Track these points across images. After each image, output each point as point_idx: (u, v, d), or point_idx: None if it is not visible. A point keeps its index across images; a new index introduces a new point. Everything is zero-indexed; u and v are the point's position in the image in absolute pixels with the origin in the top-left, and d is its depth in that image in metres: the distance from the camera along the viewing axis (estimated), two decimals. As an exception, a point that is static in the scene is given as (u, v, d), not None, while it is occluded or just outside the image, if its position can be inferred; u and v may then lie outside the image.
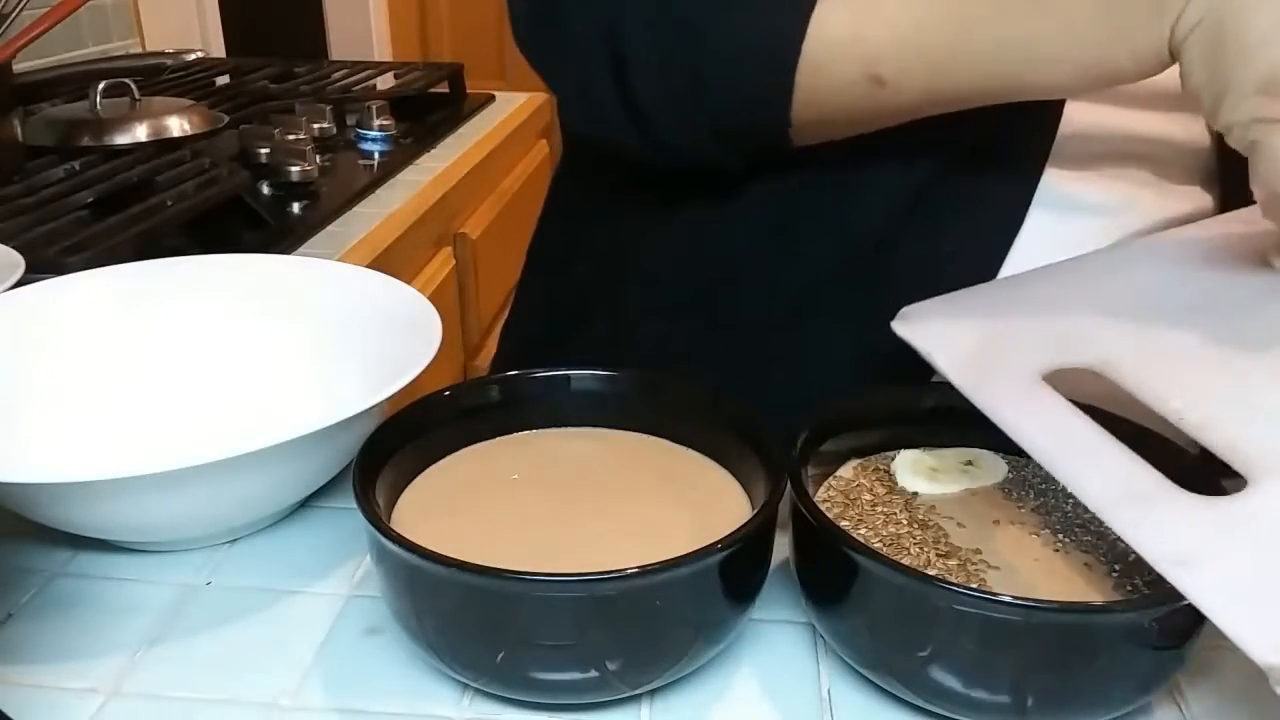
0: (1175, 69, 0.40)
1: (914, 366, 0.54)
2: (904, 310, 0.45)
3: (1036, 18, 0.43)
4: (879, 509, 0.40)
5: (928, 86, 0.46)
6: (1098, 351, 0.39)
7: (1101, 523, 0.39)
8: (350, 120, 1.18)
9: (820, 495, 0.41)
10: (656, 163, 0.54)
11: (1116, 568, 0.37)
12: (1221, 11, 0.38)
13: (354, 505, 0.35)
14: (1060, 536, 0.39)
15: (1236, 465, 0.34)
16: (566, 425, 0.45)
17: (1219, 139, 0.52)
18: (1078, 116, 0.51)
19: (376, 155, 1.11)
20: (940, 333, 0.43)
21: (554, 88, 0.56)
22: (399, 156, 1.12)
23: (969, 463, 0.42)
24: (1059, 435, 0.36)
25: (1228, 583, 0.31)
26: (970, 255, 0.51)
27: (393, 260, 0.90)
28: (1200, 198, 0.54)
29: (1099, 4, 0.41)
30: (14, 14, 0.95)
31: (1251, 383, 0.37)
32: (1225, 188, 0.54)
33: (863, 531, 0.39)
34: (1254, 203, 0.40)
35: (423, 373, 0.43)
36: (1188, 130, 0.53)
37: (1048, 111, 0.50)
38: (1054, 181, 0.52)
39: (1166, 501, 0.33)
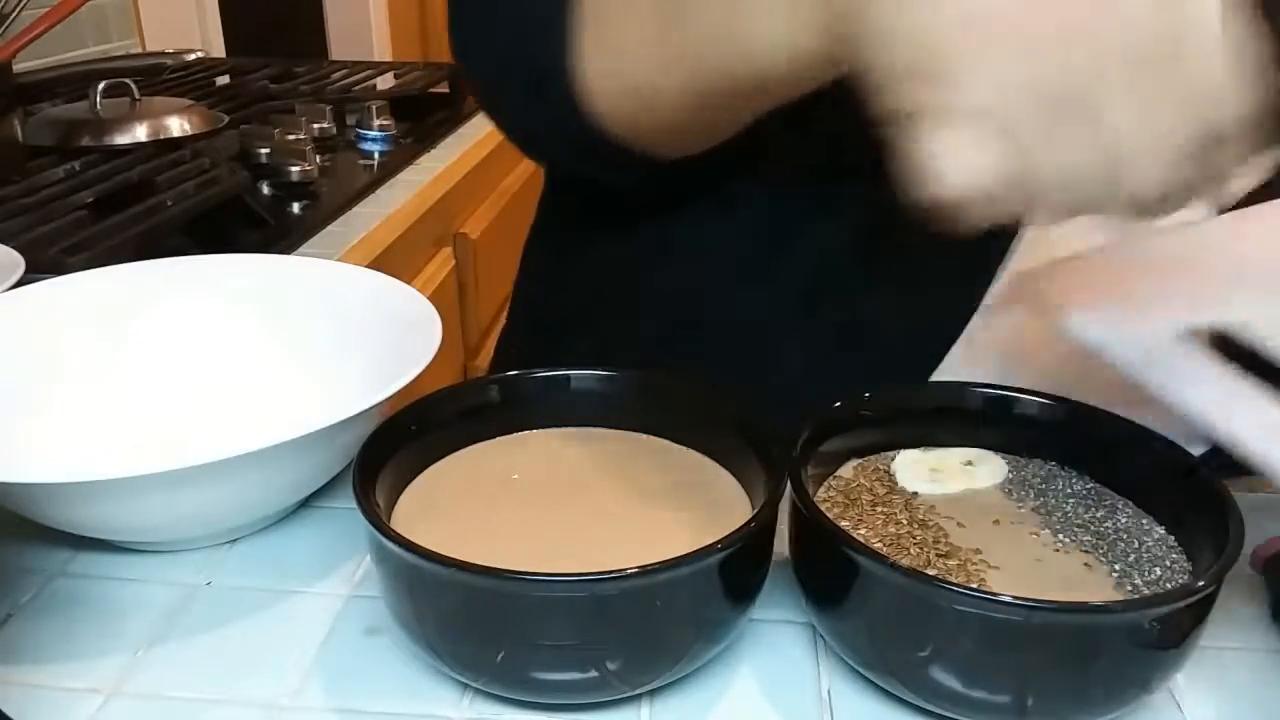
0: None
1: (914, 367, 0.54)
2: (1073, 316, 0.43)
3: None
4: (879, 509, 0.40)
5: (685, 90, 0.43)
6: (1228, 310, 0.39)
7: (1101, 523, 0.39)
8: (350, 120, 1.18)
9: (820, 495, 0.41)
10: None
11: (1116, 568, 0.37)
12: None
13: (354, 505, 0.35)
14: (1060, 536, 0.39)
15: None
16: (566, 425, 0.45)
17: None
18: None
19: (376, 155, 1.11)
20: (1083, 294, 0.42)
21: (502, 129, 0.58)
22: (399, 156, 1.12)
23: (969, 463, 0.42)
24: (1201, 382, 0.37)
25: None
26: (978, 247, 0.51)
27: (393, 260, 0.90)
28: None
29: None
30: (14, 14, 0.95)
31: None
32: None
33: (863, 531, 0.39)
34: None
35: (423, 373, 0.43)
36: None
37: None
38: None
39: None
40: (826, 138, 0.50)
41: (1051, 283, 0.43)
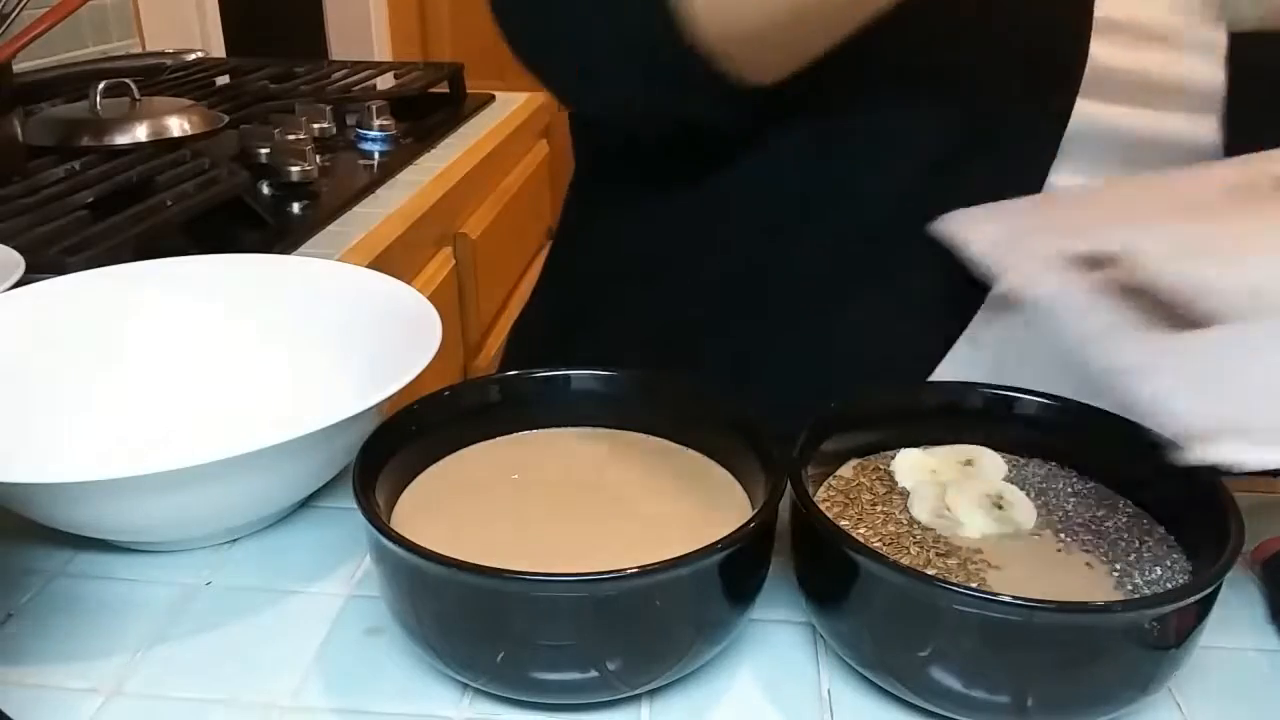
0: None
1: (913, 367, 0.54)
2: (944, 216, 0.48)
3: None
4: (879, 508, 0.40)
5: None
6: (1119, 240, 0.43)
7: (1102, 522, 0.39)
8: (350, 120, 1.18)
9: (820, 495, 0.41)
10: (655, 127, 0.53)
11: (1116, 567, 0.37)
12: None
13: (354, 505, 0.35)
14: (1060, 536, 0.39)
15: (1209, 310, 0.38)
16: (566, 425, 0.45)
17: (1227, 140, 0.52)
18: (1086, 115, 0.51)
19: (376, 155, 1.11)
20: (974, 225, 0.47)
21: (553, 81, 0.56)
22: (399, 156, 1.12)
23: (968, 462, 0.42)
24: (1063, 293, 0.40)
25: (1168, 387, 0.34)
26: None
27: (393, 260, 0.90)
28: (1204, 134, 0.54)
29: None
30: (14, 14, 0.95)
31: (1248, 261, 0.41)
32: (1232, 125, 0.54)
33: (862, 531, 0.39)
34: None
35: (423, 373, 0.43)
36: (1197, 129, 0.53)
37: (1056, 110, 0.50)
38: (1061, 180, 0.52)
39: (1143, 331, 0.37)
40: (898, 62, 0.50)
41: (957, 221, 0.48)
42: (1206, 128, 0.53)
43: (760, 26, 0.46)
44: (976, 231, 0.46)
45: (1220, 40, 0.51)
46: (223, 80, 1.37)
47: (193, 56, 1.17)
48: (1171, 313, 0.39)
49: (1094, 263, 0.42)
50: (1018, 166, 0.52)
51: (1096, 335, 0.37)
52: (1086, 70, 0.50)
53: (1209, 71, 0.52)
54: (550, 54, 0.54)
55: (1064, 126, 0.51)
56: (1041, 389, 0.43)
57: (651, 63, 0.49)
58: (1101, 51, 0.50)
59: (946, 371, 0.53)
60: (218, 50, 1.65)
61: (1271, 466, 0.31)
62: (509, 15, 0.54)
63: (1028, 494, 0.41)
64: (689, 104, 0.52)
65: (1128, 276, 0.42)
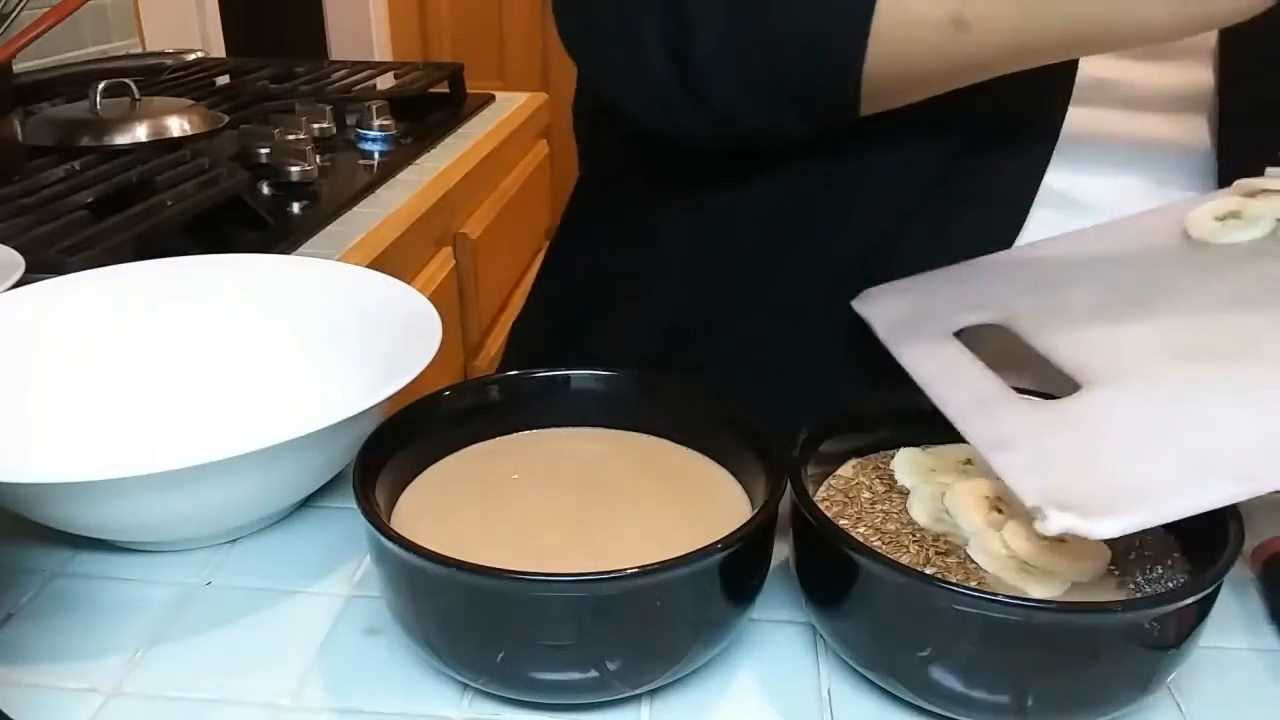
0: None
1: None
2: (864, 292, 0.50)
3: None
4: (878, 506, 0.40)
5: (1015, 27, 0.43)
6: (1001, 310, 0.45)
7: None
8: (350, 120, 1.18)
9: (820, 494, 0.41)
10: (708, 139, 0.52)
11: (1116, 567, 0.37)
12: None
13: (354, 505, 0.35)
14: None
15: (1078, 376, 0.39)
16: (566, 425, 0.45)
17: (1219, 144, 0.52)
18: (1078, 121, 0.51)
19: (376, 155, 1.11)
20: (882, 304, 0.49)
21: (600, 76, 0.55)
22: (399, 156, 1.12)
23: (968, 461, 0.42)
24: (943, 369, 0.42)
25: (1032, 460, 0.35)
26: (974, 253, 0.51)
27: (393, 260, 0.90)
28: (1195, 136, 0.54)
29: None
30: (14, 14, 0.95)
31: (1123, 324, 0.42)
32: (1224, 128, 0.54)
33: (861, 529, 0.39)
34: None
35: (423, 373, 0.43)
36: (1189, 133, 0.53)
37: (1051, 112, 0.50)
38: (1057, 182, 0.52)
39: (1004, 403, 0.39)
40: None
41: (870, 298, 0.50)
42: (1198, 132, 0.53)
43: (937, 76, 0.47)
44: (882, 312, 0.48)
45: (1210, 44, 0.51)
46: (223, 80, 1.37)
47: (193, 56, 1.16)
48: (1046, 378, 0.41)
49: (973, 335, 0.44)
50: (1013, 171, 0.52)
51: (961, 411, 0.39)
52: (1078, 78, 0.50)
53: (1199, 76, 0.52)
54: (644, 70, 0.51)
55: (1057, 133, 0.51)
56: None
57: (797, 94, 0.48)
58: (1092, 61, 0.50)
59: None
60: (218, 50, 1.65)
61: (1108, 536, 0.31)
62: (587, 30, 0.53)
63: (1028, 494, 0.40)
64: (785, 120, 0.50)
65: (1002, 348, 0.43)
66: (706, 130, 0.51)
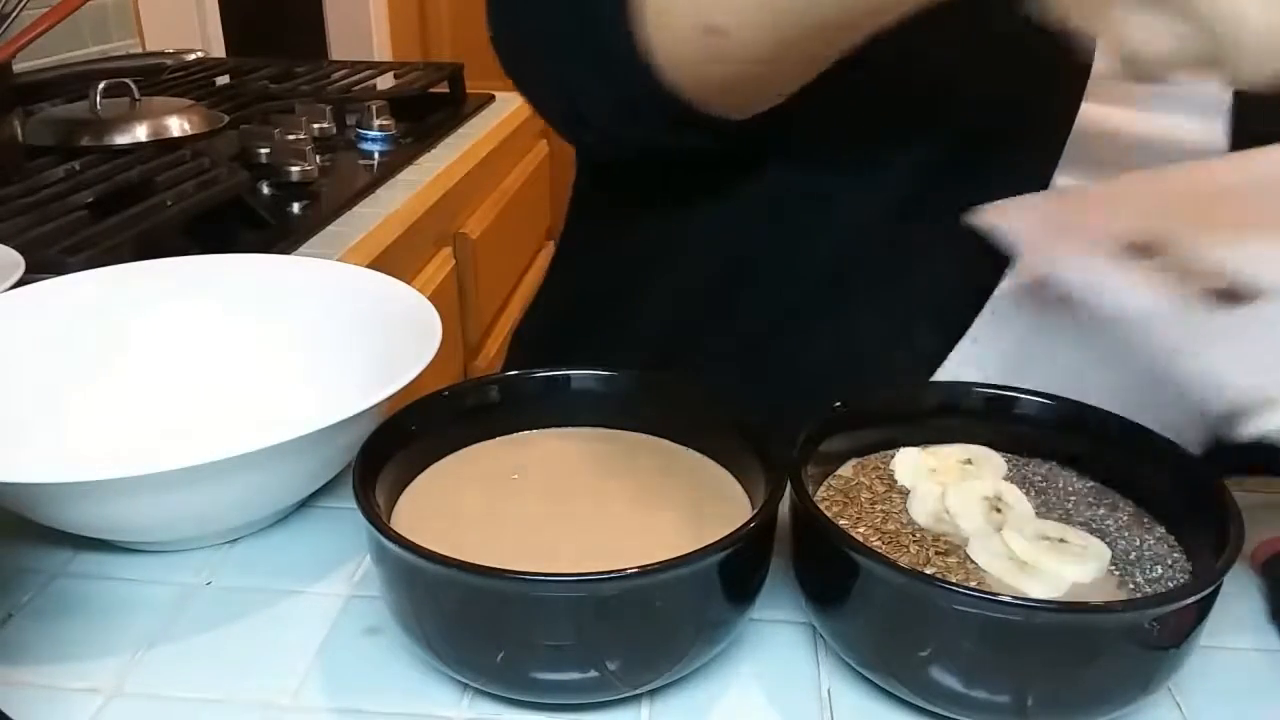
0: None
1: (915, 367, 0.54)
2: (990, 205, 0.48)
3: None
4: (878, 507, 0.40)
5: (768, 24, 0.43)
6: (1157, 227, 0.44)
7: (1102, 520, 0.39)
8: (350, 120, 1.18)
9: (820, 494, 0.41)
10: (618, 152, 0.54)
11: (1117, 566, 0.37)
12: None
13: (354, 505, 0.35)
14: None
15: (1253, 286, 0.39)
16: (566, 425, 0.45)
17: (1233, 145, 0.52)
18: (1090, 118, 0.51)
19: (376, 155, 1.11)
20: (1014, 217, 0.47)
21: (548, 118, 0.57)
22: (399, 156, 1.12)
23: (968, 461, 0.42)
24: (1109, 276, 0.42)
25: (1218, 362, 0.35)
26: (983, 248, 0.51)
27: (393, 260, 0.90)
28: (1211, 138, 0.54)
29: None
30: (14, 14, 0.95)
31: None
32: (1238, 128, 0.53)
33: (861, 529, 0.39)
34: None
35: (423, 373, 0.43)
36: (1201, 133, 0.53)
37: (1060, 113, 0.50)
38: (1066, 184, 0.52)
39: (1184, 309, 0.39)
40: (877, 96, 0.50)
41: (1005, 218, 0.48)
42: (1213, 131, 0.53)
43: (730, 77, 0.46)
44: (1016, 218, 0.47)
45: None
46: (223, 80, 1.37)
47: (193, 56, 1.16)
48: (1220, 291, 0.40)
49: (1141, 248, 0.43)
50: (1024, 166, 0.51)
51: (1148, 315, 0.38)
52: (1091, 74, 0.50)
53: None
54: (542, 93, 0.55)
55: (1068, 130, 0.51)
56: (1045, 387, 0.43)
57: (635, 108, 0.49)
58: (1105, 58, 0.50)
59: (950, 370, 0.53)
60: (218, 50, 1.65)
61: None
62: (506, 56, 0.54)
63: (1027, 493, 0.41)
64: (679, 138, 0.52)
65: (1173, 259, 0.43)
66: (604, 145, 0.53)
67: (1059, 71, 0.49)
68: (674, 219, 0.60)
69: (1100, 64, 0.50)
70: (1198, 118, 0.52)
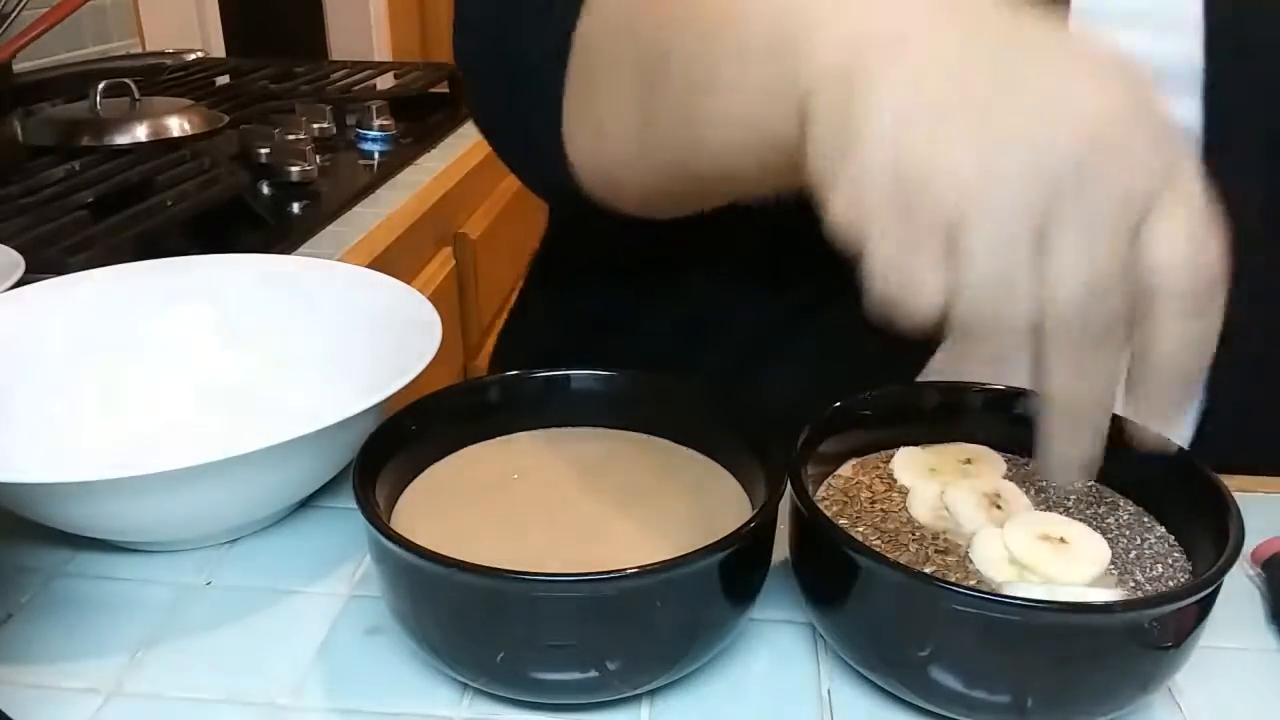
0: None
1: (913, 365, 0.54)
2: None
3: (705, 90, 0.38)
4: (878, 506, 0.40)
5: (638, 140, 0.43)
6: None
7: (1102, 519, 0.39)
8: (350, 120, 1.18)
9: (820, 494, 0.41)
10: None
11: (1117, 565, 0.37)
12: (854, 65, 0.30)
13: (354, 505, 0.35)
14: (1060, 536, 0.39)
15: None
16: (566, 425, 0.45)
17: (1207, 123, 0.51)
18: None
19: (376, 155, 1.11)
20: None
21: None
22: (399, 156, 1.12)
23: (968, 460, 0.42)
24: None
25: None
26: None
27: (393, 260, 0.90)
28: (1184, 116, 0.53)
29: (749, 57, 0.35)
30: (14, 14, 0.95)
31: None
32: (1211, 107, 0.52)
33: (861, 529, 0.39)
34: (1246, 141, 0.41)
35: (423, 373, 0.43)
36: (1177, 112, 0.52)
37: None
38: None
39: None
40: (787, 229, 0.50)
41: None
42: (1187, 110, 0.52)
43: (632, 192, 0.47)
44: None
45: (1197, 19, 0.51)
46: (223, 80, 1.37)
47: (193, 56, 1.17)
48: None
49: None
50: None
51: None
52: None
53: (1187, 52, 0.51)
54: (493, 144, 0.56)
55: None
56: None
57: (559, 185, 0.50)
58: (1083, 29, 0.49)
59: (940, 361, 0.53)
60: (218, 50, 1.65)
61: None
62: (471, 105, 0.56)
63: (1027, 492, 0.41)
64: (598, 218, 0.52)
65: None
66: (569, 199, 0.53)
67: None
68: (665, 230, 0.59)
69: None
70: (1172, 96, 0.51)
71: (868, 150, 0.29)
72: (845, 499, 0.40)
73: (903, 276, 0.29)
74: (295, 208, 0.95)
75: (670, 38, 0.39)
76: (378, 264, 0.86)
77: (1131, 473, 0.41)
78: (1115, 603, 0.33)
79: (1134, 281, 0.29)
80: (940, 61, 0.30)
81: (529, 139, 0.49)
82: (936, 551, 0.37)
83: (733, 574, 0.35)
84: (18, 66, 1.02)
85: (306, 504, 0.47)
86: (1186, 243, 0.29)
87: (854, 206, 0.30)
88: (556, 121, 0.46)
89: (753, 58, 0.35)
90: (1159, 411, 0.32)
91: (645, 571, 0.32)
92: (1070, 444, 0.32)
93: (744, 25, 0.35)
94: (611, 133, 0.44)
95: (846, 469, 0.43)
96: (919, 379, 0.52)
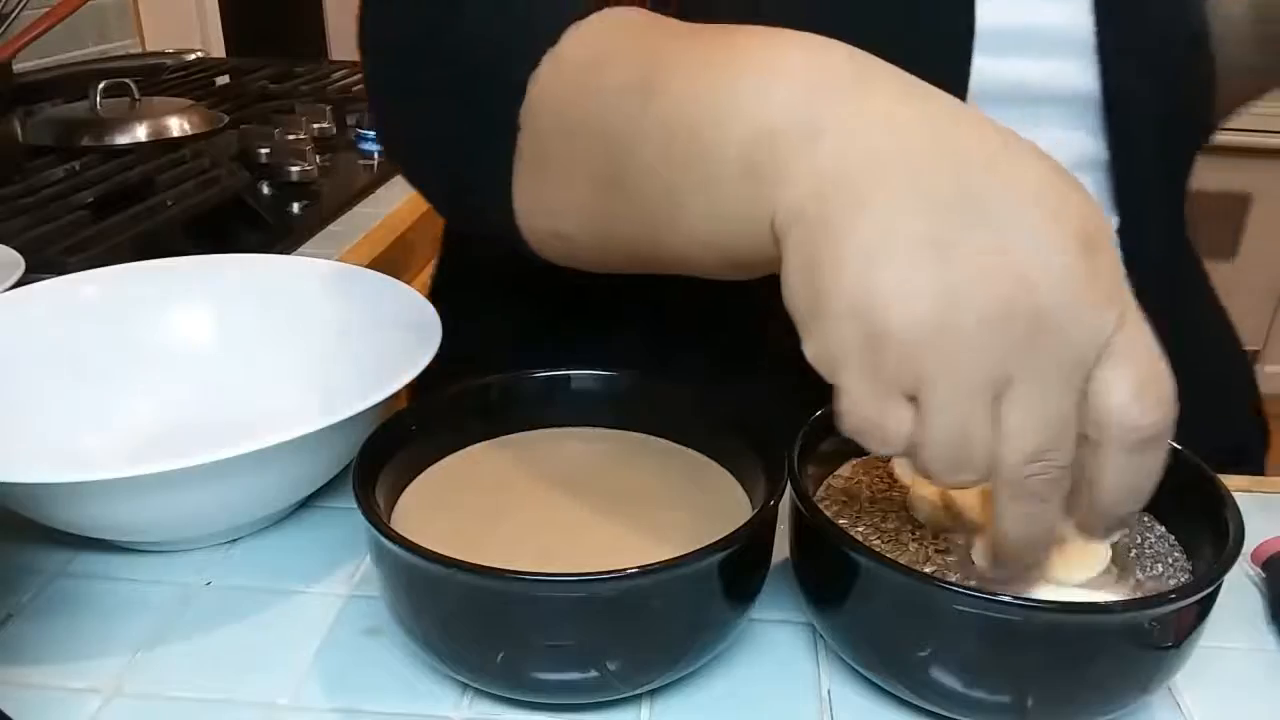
0: None
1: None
2: None
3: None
4: (878, 506, 0.40)
5: (594, 242, 0.43)
6: None
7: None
8: (350, 120, 1.18)
9: (819, 494, 0.41)
10: None
11: (1117, 565, 0.37)
12: (824, 210, 0.31)
13: (354, 505, 0.35)
14: (1060, 536, 0.39)
15: None
16: (566, 425, 0.45)
17: (1103, 86, 0.52)
18: (985, 71, 0.50)
19: (376, 155, 1.11)
20: None
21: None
22: (399, 156, 1.12)
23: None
24: None
25: None
26: None
27: (393, 260, 0.90)
28: (1084, 144, 0.53)
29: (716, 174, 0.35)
30: (14, 14, 0.95)
31: None
32: (1112, 131, 0.53)
33: (861, 528, 0.39)
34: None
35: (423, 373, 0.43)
36: (1080, 78, 0.52)
37: (955, 70, 0.50)
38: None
39: None
40: None
41: None
42: (1087, 75, 0.52)
43: (586, 264, 0.46)
44: None
45: None
46: (223, 80, 1.37)
47: (193, 56, 1.17)
48: None
49: None
50: None
51: None
52: (977, 30, 0.49)
53: (1078, 18, 0.51)
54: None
55: (965, 84, 0.50)
56: None
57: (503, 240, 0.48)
58: (988, 13, 0.50)
59: None
60: (218, 50, 1.65)
61: None
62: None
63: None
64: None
65: None
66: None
67: (947, 26, 0.49)
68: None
69: (985, 14, 0.49)
70: (1074, 62, 0.52)
71: (835, 302, 0.30)
72: (845, 499, 0.41)
73: (869, 422, 0.31)
74: (295, 208, 0.95)
75: (626, 147, 0.38)
76: (378, 264, 0.86)
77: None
78: (1115, 603, 0.33)
79: (1084, 425, 0.30)
80: (907, 204, 0.30)
81: (464, 195, 0.47)
82: (937, 551, 0.37)
83: (733, 574, 0.35)
84: (18, 66, 1.01)
85: (306, 504, 0.47)
86: (1136, 389, 0.30)
87: (825, 350, 0.31)
88: (504, 189, 0.44)
89: (722, 190, 0.35)
90: (1099, 528, 0.33)
91: (645, 571, 0.32)
92: (1015, 564, 0.34)
93: (711, 153, 0.34)
94: (565, 216, 0.43)
95: (846, 469, 0.43)
96: None
